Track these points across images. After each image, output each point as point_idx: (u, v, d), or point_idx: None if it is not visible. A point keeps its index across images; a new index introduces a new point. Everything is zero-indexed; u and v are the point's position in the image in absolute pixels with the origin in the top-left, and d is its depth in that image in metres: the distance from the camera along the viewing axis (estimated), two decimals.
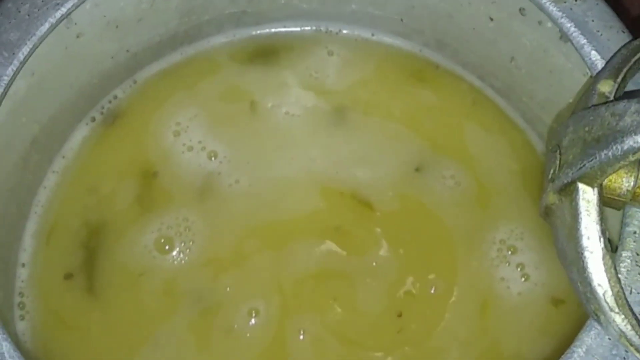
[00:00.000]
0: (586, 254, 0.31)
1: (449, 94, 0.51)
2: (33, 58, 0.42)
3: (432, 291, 0.46)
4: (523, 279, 0.46)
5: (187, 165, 0.50)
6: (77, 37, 0.46)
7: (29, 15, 0.39)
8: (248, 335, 0.45)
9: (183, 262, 0.47)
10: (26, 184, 0.48)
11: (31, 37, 0.39)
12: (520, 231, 0.47)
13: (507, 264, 0.46)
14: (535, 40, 0.45)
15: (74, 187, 0.49)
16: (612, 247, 0.36)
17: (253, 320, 0.45)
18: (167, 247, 0.47)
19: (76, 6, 0.41)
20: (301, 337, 0.45)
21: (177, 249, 0.47)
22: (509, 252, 0.46)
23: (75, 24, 0.45)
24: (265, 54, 0.53)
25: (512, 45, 0.47)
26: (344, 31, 0.53)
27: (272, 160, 0.50)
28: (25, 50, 0.39)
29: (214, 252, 0.47)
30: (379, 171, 0.49)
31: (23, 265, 0.47)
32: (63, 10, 0.40)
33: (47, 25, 0.39)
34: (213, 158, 0.50)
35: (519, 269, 0.46)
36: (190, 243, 0.47)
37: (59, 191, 0.49)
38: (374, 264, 0.47)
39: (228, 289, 0.46)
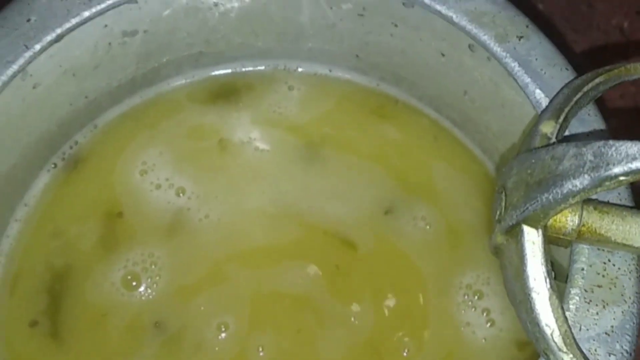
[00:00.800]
0: (533, 295, 0.32)
1: (411, 130, 0.52)
2: None
3: (405, 354, 0.46)
4: (488, 324, 0.46)
5: (155, 203, 0.50)
6: (34, 87, 0.46)
7: None
8: (216, 349, 0.46)
9: (150, 296, 0.47)
10: None
11: None
12: (486, 276, 0.47)
13: (474, 309, 0.47)
14: (485, 74, 0.46)
15: (38, 234, 0.49)
16: (563, 278, 0.37)
17: (218, 341, 0.46)
18: (134, 284, 0.47)
19: (28, 61, 0.41)
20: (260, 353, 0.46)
21: (144, 284, 0.47)
22: (475, 297, 0.47)
23: (31, 75, 0.45)
24: (226, 93, 0.54)
25: (464, 79, 0.48)
26: (301, 69, 0.54)
27: (244, 194, 0.51)
28: None
29: (182, 283, 0.48)
30: (350, 208, 0.50)
31: None
32: (15, 67, 0.40)
33: (4, 78, 0.40)
34: (181, 194, 0.50)
35: (484, 314, 0.46)
36: (157, 278, 0.48)
37: (22, 239, 0.49)
38: (344, 308, 0.47)
39: (196, 312, 0.47)
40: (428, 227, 0.49)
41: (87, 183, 0.51)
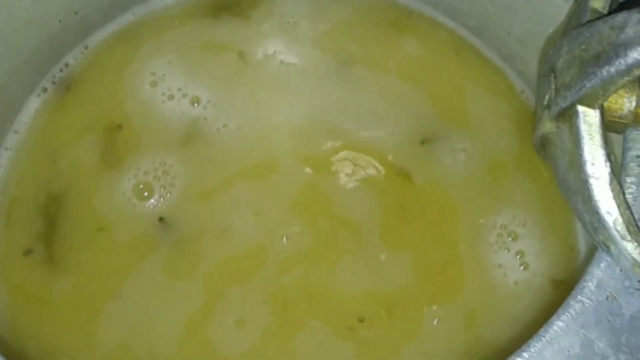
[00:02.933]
0: (591, 181, 0.29)
1: (431, 44, 0.49)
2: None
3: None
4: (522, 267, 0.44)
5: (168, 114, 0.47)
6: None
7: None
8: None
9: (164, 205, 0.45)
10: None
11: None
12: (523, 217, 0.45)
13: (507, 251, 0.44)
14: None
15: (31, 160, 0.46)
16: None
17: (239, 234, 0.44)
18: (145, 194, 0.45)
19: None
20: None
21: (157, 193, 0.45)
22: (509, 239, 0.44)
23: None
24: (228, 6, 0.50)
25: None
26: None
27: (269, 106, 0.48)
28: None
29: (199, 188, 0.45)
30: (387, 132, 0.47)
31: None
32: None
33: None
34: (196, 104, 0.47)
35: (517, 257, 0.44)
36: (170, 187, 0.45)
37: (15, 167, 0.46)
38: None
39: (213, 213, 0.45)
40: (465, 157, 0.46)
41: (83, 105, 0.47)
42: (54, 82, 0.48)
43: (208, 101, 0.47)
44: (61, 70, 0.48)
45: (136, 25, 0.49)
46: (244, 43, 0.49)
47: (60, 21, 0.46)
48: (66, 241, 0.44)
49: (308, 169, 0.46)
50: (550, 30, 0.43)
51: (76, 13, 0.47)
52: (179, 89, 0.47)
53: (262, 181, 0.45)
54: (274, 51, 0.49)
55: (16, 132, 0.47)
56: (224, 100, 0.47)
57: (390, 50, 0.49)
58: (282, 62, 0.48)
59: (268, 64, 0.48)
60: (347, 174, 0.46)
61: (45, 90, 0.48)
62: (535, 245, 0.44)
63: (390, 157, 0.46)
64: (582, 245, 0.44)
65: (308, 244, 0.44)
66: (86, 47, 0.49)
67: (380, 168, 0.46)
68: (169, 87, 0.47)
